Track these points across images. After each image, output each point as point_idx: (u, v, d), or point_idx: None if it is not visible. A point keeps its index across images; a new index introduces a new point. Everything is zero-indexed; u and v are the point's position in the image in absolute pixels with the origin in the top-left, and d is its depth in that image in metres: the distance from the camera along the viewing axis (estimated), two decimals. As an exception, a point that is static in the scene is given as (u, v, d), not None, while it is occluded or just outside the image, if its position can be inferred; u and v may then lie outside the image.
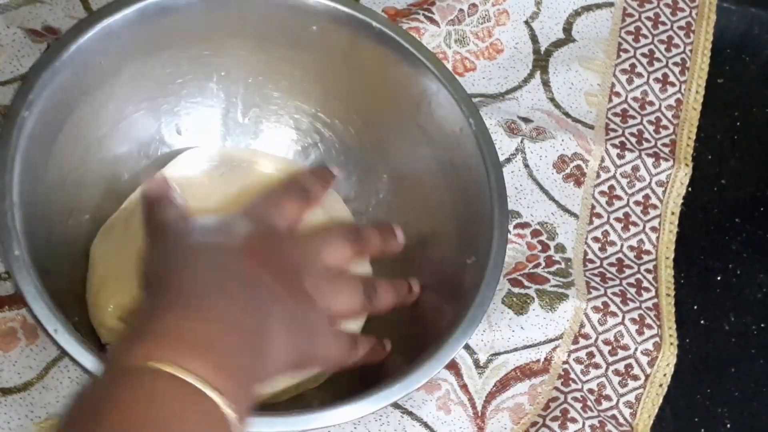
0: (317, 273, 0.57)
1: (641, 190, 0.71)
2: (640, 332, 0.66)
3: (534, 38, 0.75)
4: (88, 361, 0.50)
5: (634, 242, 0.70)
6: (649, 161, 0.72)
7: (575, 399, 0.64)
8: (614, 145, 0.72)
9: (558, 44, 0.75)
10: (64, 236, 0.60)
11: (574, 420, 0.63)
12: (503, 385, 0.64)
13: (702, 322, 0.69)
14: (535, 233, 0.69)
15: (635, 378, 0.66)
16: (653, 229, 0.71)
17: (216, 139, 0.67)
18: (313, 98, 0.67)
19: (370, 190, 0.67)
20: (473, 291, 0.57)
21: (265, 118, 0.68)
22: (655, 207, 0.71)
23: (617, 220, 0.70)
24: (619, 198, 0.71)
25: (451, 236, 0.63)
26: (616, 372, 0.66)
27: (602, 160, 0.71)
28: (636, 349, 0.66)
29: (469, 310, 0.57)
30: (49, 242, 0.57)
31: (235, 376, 0.45)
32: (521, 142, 0.70)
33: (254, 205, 0.59)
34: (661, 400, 0.65)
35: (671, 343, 0.66)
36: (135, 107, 0.63)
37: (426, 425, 0.61)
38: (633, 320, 0.66)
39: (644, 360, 0.66)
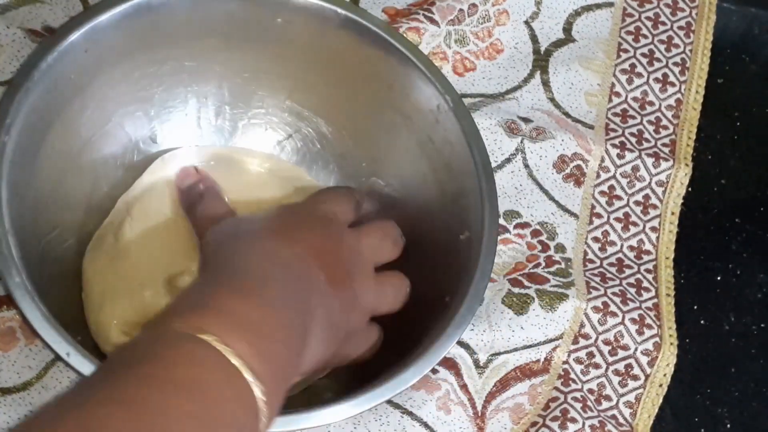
0: (367, 276, 0.58)
1: (641, 190, 0.71)
2: (640, 332, 0.66)
3: (534, 38, 0.75)
4: None
5: (634, 242, 0.70)
6: (649, 161, 0.72)
7: (575, 399, 0.64)
8: (614, 145, 0.72)
9: (558, 44, 0.75)
10: (53, 255, 0.60)
11: (574, 420, 0.63)
12: (503, 385, 0.64)
13: (702, 322, 0.69)
14: (535, 233, 0.69)
15: (635, 378, 0.66)
16: (653, 229, 0.71)
17: (191, 142, 0.67)
18: (285, 91, 0.67)
19: (350, 176, 0.68)
20: (468, 277, 0.58)
21: (238, 117, 0.68)
22: (655, 207, 0.71)
23: (617, 220, 0.71)
24: (619, 198, 0.71)
25: (441, 213, 0.63)
26: (616, 372, 0.66)
27: (602, 160, 0.71)
28: (636, 349, 0.66)
29: (463, 302, 0.57)
30: (41, 263, 0.58)
31: (275, 368, 0.45)
32: (521, 142, 0.70)
33: (315, 200, 0.60)
34: (661, 400, 0.65)
35: (671, 343, 0.66)
36: (107, 118, 0.63)
37: (426, 425, 0.61)
38: (633, 320, 0.66)
39: (644, 360, 0.66)
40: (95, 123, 0.62)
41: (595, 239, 0.70)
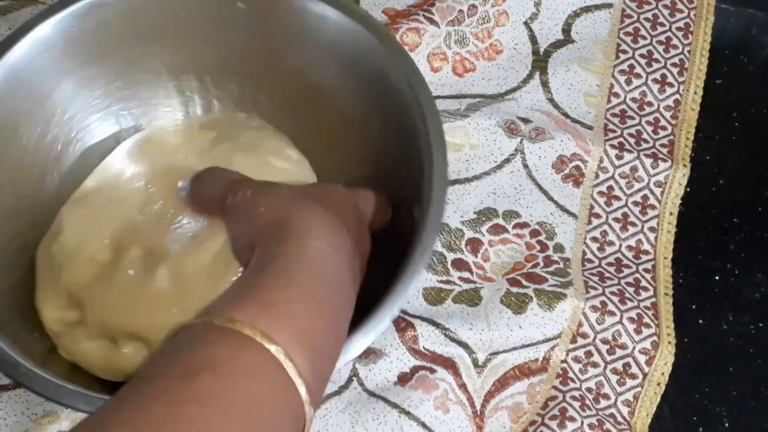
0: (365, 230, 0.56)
1: (640, 190, 0.72)
2: (638, 331, 0.66)
3: (533, 39, 0.75)
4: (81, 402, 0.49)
5: (632, 242, 0.70)
6: (648, 162, 0.72)
7: (574, 398, 0.64)
8: (613, 146, 0.72)
9: (557, 45, 0.75)
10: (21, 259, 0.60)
11: (572, 419, 0.63)
12: (502, 384, 0.64)
13: (700, 321, 0.69)
14: (534, 233, 0.69)
15: (633, 377, 0.66)
16: (651, 229, 0.71)
17: None
18: (267, 82, 0.64)
19: (308, 147, 0.65)
20: (414, 240, 0.54)
21: (229, 110, 0.66)
22: (653, 207, 0.71)
23: (616, 220, 0.71)
24: (617, 198, 0.71)
25: (390, 183, 0.59)
26: (614, 371, 0.66)
27: (601, 161, 0.72)
28: (634, 348, 0.66)
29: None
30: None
31: (323, 383, 0.45)
32: (520, 142, 0.71)
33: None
34: (659, 399, 0.65)
35: (669, 342, 0.67)
36: (84, 119, 0.62)
37: (423, 425, 0.62)
38: (631, 319, 0.66)
39: (642, 359, 0.66)
40: (71, 125, 0.61)
41: (594, 239, 0.70)
